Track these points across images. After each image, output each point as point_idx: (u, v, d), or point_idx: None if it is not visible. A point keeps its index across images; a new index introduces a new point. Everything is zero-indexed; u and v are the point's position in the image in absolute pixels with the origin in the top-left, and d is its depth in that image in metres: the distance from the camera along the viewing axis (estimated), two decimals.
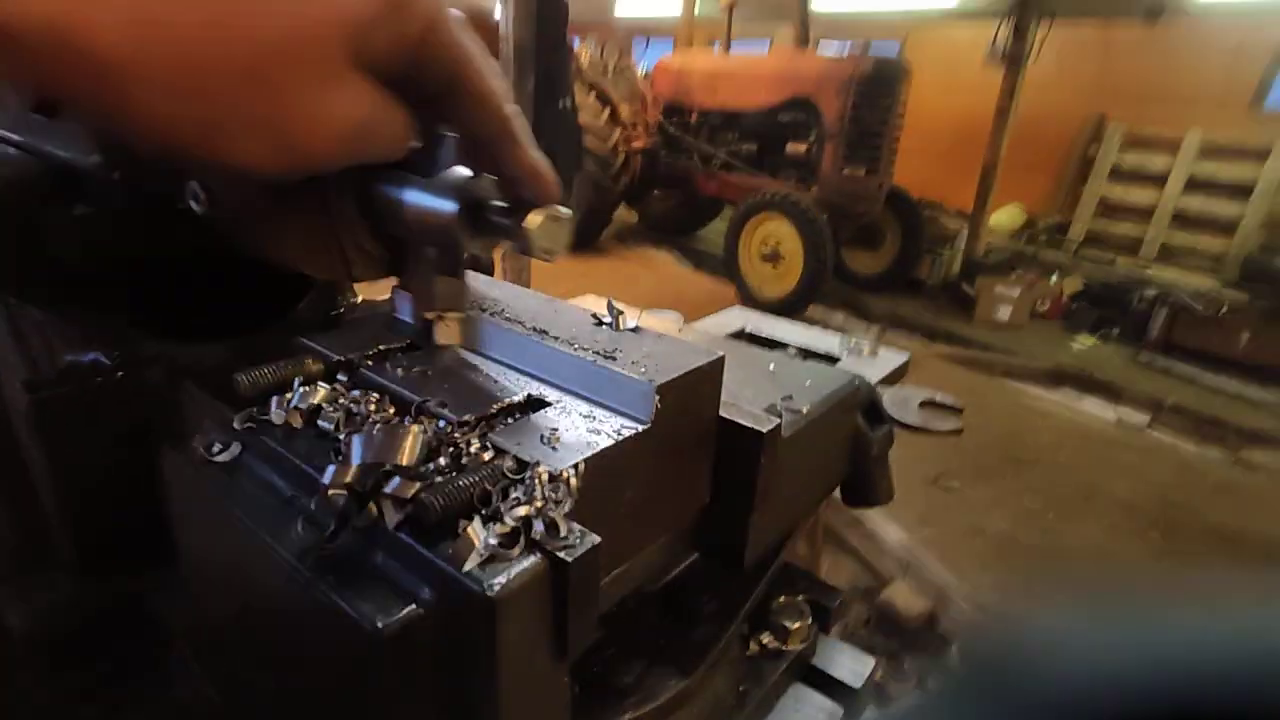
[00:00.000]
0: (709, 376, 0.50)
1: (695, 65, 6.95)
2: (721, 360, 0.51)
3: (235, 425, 0.48)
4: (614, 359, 0.49)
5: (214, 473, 0.47)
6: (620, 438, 0.44)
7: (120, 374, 0.72)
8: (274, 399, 0.48)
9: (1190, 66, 7.56)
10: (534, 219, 0.44)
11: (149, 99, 0.33)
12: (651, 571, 0.60)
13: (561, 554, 0.37)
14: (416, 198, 0.47)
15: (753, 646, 0.67)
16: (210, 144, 0.36)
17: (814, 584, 0.75)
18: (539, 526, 0.37)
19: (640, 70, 7.57)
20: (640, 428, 0.45)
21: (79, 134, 0.59)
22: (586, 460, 0.41)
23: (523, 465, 0.40)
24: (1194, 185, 7.59)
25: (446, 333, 0.55)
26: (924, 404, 4.79)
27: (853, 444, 0.74)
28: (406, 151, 0.45)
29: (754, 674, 0.64)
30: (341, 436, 0.44)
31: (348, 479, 0.39)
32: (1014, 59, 6.36)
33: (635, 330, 0.54)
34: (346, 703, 0.40)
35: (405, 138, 0.43)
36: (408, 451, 0.40)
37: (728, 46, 7.44)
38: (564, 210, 0.45)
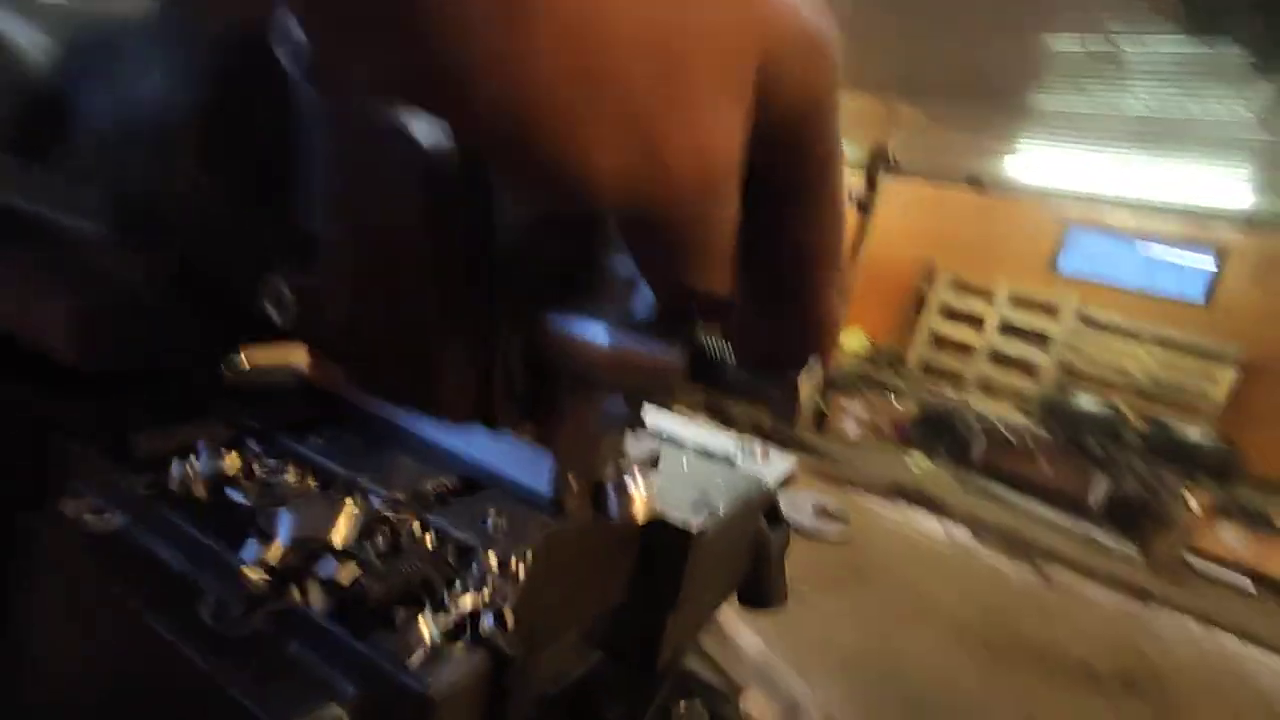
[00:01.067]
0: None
1: None
2: (658, 453, 0.52)
3: (139, 490, 0.42)
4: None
5: (90, 544, 0.41)
6: (560, 526, 0.43)
7: None
8: (174, 463, 0.43)
9: (1001, 229, 8.95)
10: (806, 380, 0.36)
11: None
12: (559, 673, 0.58)
13: (509, 650, 0.35)
14: (621, 339, 0.36)
15: None
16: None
17: (711, 690, 0.75)
18: (488, 621, 0.35)
19: None
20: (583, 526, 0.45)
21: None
22: (534, 549, 0.40)
23: (467, 551, 0.39)
24: (1006, 329, 8.80)
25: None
26: (816, 510, 5.01)
27: (754, 545, 0.76)
28: None
29: None
30: (256, 510, 0.40)
31: (272, 558, 0.36)
32: (864, 206, 7.22)
33: None
34: None
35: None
36: (342, 530, 0.37)
37: None
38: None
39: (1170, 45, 4.08)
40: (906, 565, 4.85)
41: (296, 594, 0.36)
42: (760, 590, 0.79)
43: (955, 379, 8.84)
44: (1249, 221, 7.26)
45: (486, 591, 0.36)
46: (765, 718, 2.84)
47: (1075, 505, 6.31)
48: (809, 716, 2.87)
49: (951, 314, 9.18)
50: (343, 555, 0.36)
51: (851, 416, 7.03)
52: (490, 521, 0.42)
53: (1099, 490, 6.28)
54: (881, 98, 6.69)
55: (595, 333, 0.37)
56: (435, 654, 0.34)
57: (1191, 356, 7.84)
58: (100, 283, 0.47)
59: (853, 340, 9.27)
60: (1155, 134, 5.75)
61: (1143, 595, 5.12)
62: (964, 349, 9.01)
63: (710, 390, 0.38)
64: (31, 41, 0.49)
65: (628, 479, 0.43)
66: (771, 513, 0.80)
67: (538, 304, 0.38)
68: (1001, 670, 3.83)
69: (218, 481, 0.43)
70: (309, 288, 0.40)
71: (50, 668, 0.44)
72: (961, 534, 5.73)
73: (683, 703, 0.70)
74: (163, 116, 0.45)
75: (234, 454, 0.44)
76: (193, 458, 0.44)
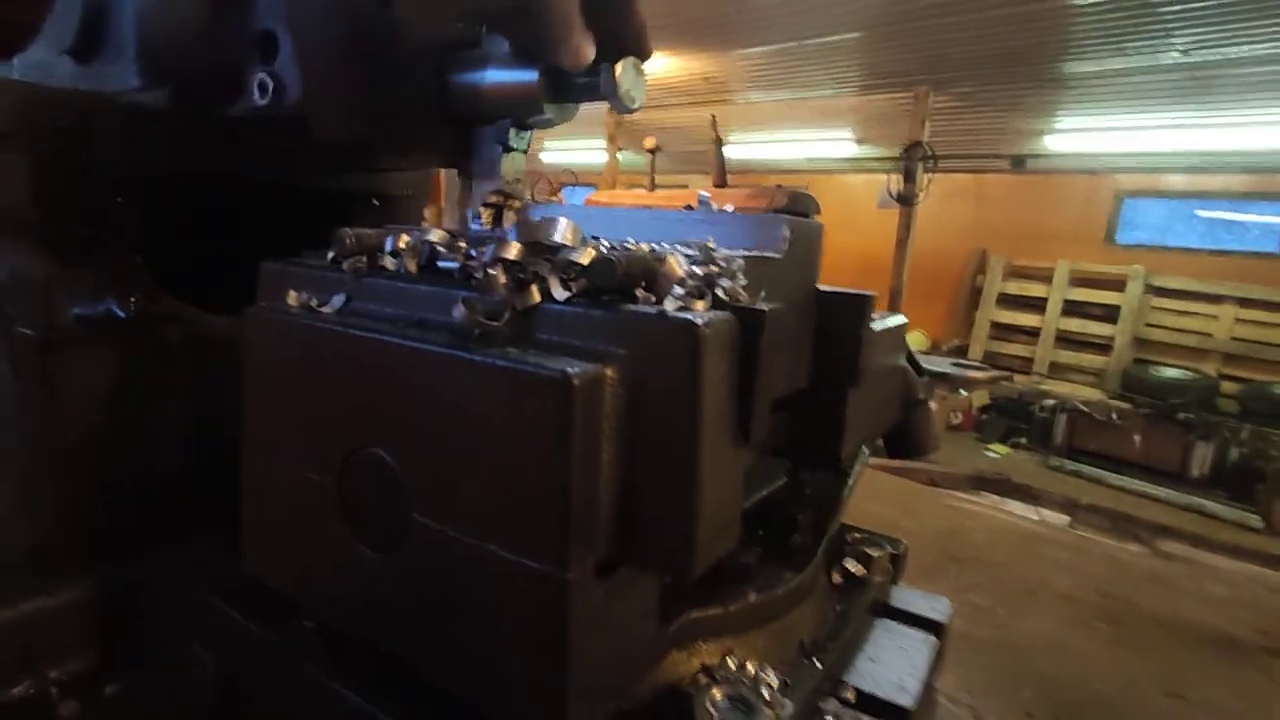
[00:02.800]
0: (815, 237, 0.52)
1: (622, 200, 7.43)
2: (821, 229, 0.53)
3: (345, 268, 0.45)
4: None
5: (321, 320, 0.44)
6: (762, 255, 0.44)
7: (135, 328, 0.67)
8: (387, 241, 0.46)
9: (1051, 209, 8.70)
10: (620, 65, 0.47)
11: None
12: (753, 489, 0.58)
13: (748, 303, 0.36)
14: (497, 75, 0.50)
15: (836, 578, 0.64)
16: None
17: (877, 536, 0.73)
18: (724, 283, 0.36)
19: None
20: (778, 255, 0.46)
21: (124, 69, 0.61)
22: (744, 259, 0.41)
23: (688, 244, 0.40)
24: (1070, 309, 8.48)
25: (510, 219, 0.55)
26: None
27: (904, 389, 0.75)
28: None
29: (845, 598, 0.61)
30: (485, 237, 0.43)
31: (511, 254, 0.37)
32: (906, 199, 7.14)
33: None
34: (507, 478, 0.36)
35: None
36: (570, 233, 0.39)
37: (652, 186, 8.04)
38: (641, 61, 0.49)
39: None
40: (1004, 552, 4.61)
41: (536, 292, 0.38)
42: (910, 435, 0.78)
43: (1022, 367, 8.53)
44: None
45: (715, 268, 0.37)
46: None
47: (1176, 477, 5.95)
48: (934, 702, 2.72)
49: (1010, 301, 8.91)
50: (578, 248, 0.38)
51: None
52: (703, 247, 0.43)
53: (1201, 459, 5.91)
54: (910, 89, 6.68)
55: (476, 77, 0.51)
56: (686, 309, 0.35)
57: (1277, 312, 7.41)
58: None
59: (910, 342, 9.06)
60: (1200, 84, 5.57)
61: (1272, 561, 4.76)
62: (1028, 334, 8.71)
63: (561, 98, 0.50)
64: None
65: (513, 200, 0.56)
66: (913, 363, 0.79)
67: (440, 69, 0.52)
68: (1132, 647, 3.57)
69: (431, 253, 0.45)
70: (276, 73, 0.53)
71: (292, 425, 0.46)
72: (1056, 517, 5.45)
73: (857, 533, 0.69)
74: None
75: (441, 233, 0.47)
76: (403, 234, 0.46)
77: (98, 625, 0.64)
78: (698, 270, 0.37)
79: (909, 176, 7.12)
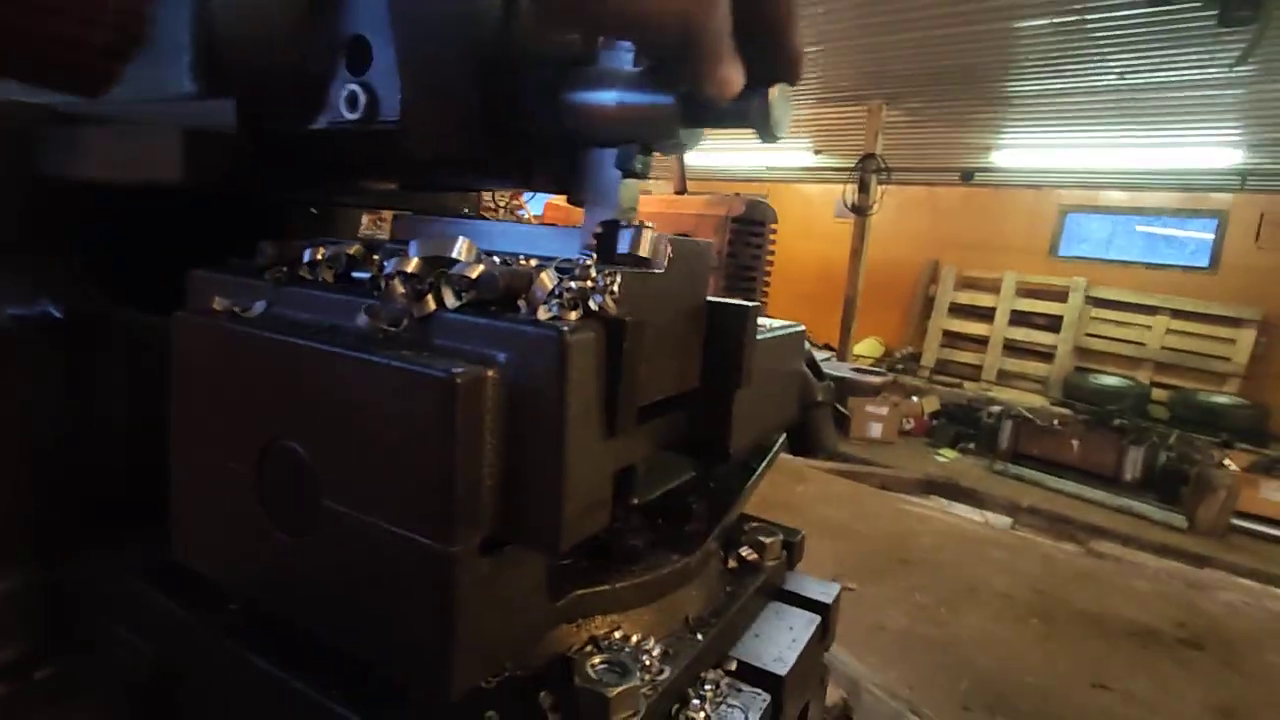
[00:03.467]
0: (702, 254, 0.58)
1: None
2: (709, 245, 0.59)
3: (266, 278, 0.50)
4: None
5: (243, 325, 0.48)
6: (642, 270, 0.50)
7: (71, 328, 0.70)
8: (305, 251, 0.50)
9: (999, 221, 9.03)
10: (775, 93, 0.43)
11: None
12: (654, 482, 0.63)
13: (619, 315, 0.41)
14: (628, 96, 0.45)
15: (731, 563, 0.70)
16: None
17: (775, 525, 0.80)
18: (596, 299, 0.42)
19: (528, 211, 8.02)
20: (660, 270, 0.51)
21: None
22: (626, 274, 0.46)
23: (570, 262, 0.46)
24: (1016, 319, 8.81)
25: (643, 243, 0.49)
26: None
27: (802, 392, 0.82)
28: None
29: (737, 580, 0.67)
30: (386, 248, 0.48)
31: (409, 268, 0.42)
32: (860, 210, 7.34)
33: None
34: (398, 471, 0.41)
35: None
36: (465, 250, 0.44)
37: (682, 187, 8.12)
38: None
39: (1133, 10, 4.22)
40: (949, 553, 4.79)
41: (432, 300, 0.43)
42: (810, 434, 0.85)
43: (971, 374, 8.82)
44: (1242, 182, 7.31)
45: (589, 283, 0.43)
46: (828, 698, 2.80)
47: (1110, 480, 6.23)
48: (872, 695, 2.83)
49: (961, 310, 9.21)
50: (469, 262, 0.43)
51: (875, 418, 7.02)
52: (583, 259, 0.49)
53: (1133, 463, 6.20)
54: (864, 103, 6.88)
55: (602, 97, 0.46)
56: (558, 319, 0.40)
57: (1206, 323, 7.82)
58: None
59: (865, 348, 9.30)
60: (1135, 105, 5.87)
61: (1192, 559, 5.02)
62: (977, 343, 9.01)
63: (700, 124, 0.45)
64: None
65: (643, 225, 0.49)
66: (813, 366, 0.86)
67: (556, 85, 0.47)
68: (1061, 641, 3.76)
69: (345, 264, 0.50)
70: (369, 85, 0.49)
71: (217, 423, 0.51)
72: (999, 519, 5.66)
73: (754, 523, 0.75)
74: None
75: (357, 246, 0.51)
76: (320, 248, 0.51)
77: (30, 615, 0.67)
78: (573, 285, 0.42)
79: (863, 187, 7.33)
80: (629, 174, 0.48)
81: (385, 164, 0.60)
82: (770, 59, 0.45)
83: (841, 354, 7.73)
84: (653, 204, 7.31)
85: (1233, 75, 4.77)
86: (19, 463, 0.66)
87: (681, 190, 8.10)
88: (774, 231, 6.85)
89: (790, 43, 0.46)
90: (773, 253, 7.05)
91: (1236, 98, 5.41)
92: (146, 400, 0.68)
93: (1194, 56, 4.76)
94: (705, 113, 0.45)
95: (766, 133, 0.44)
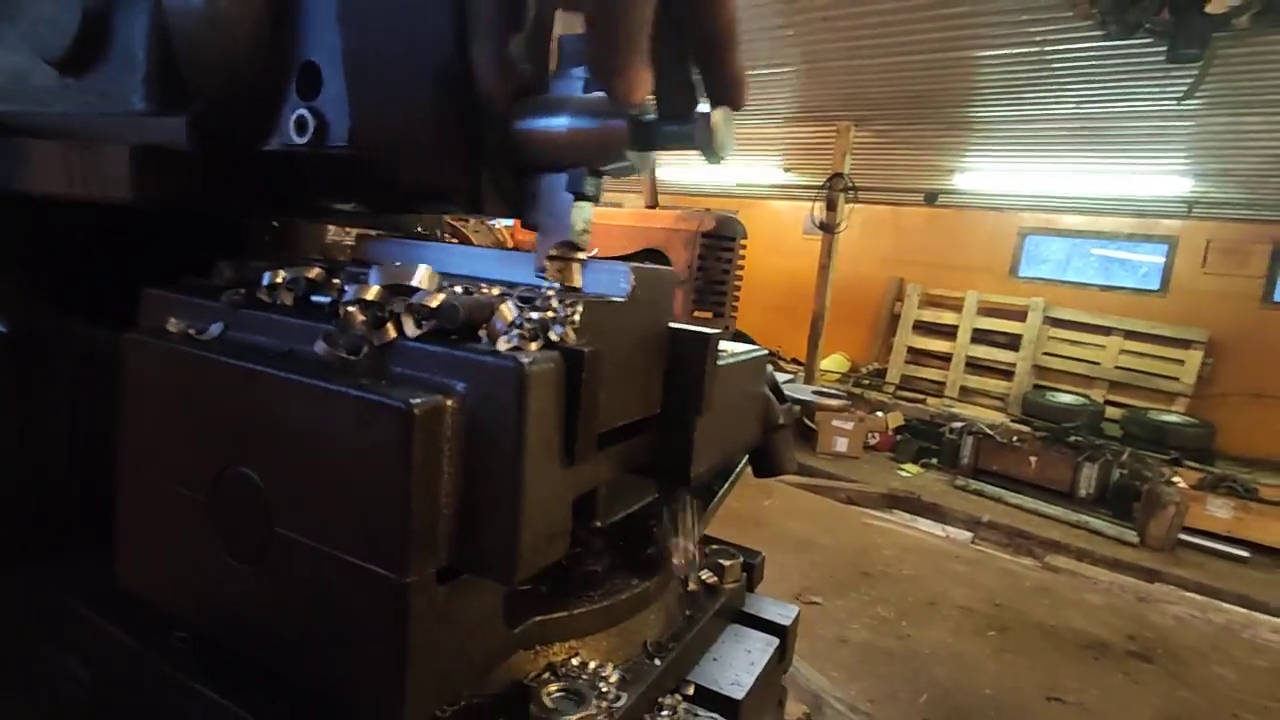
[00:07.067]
0: (665, 282, 0.59)
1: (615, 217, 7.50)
2: (673, 274, 0.59)
3: (223, 300, 0.49)
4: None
5: (198, 348, 0.47)
6: (604, 299, 0.51)
7: (18, 343, 0.68)
8: (264, 275, 0.50)
9: (962, 242, 9.26)
10: (718, 115, 0.45)
11: None
12: (622, 502, 0.63)
13: (578, 346, 0.42)
14: (576, 122, 0.46)
15: (691, 585, 0.70)
16: None
17: (736, 547, 0.81)
18: (556, 329, 0.42)
19: (500, 222, 8.00)
20: (620, 298, 0.52)
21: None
22: (584, 301, 0.47)
23: (533, 290, 0.46)
24: (978, 336, 9.02)
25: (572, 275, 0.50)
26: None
27: (764, 415, 0.83)
28: None
29: (697, 604, 0.67)
30: (346, 273, 0.47)
31: (368, 295, 0.42)
32: (828, 227, 7.46)
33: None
34: (357, 501, 0.41)
35: None
36: (424, 279, 0.44)
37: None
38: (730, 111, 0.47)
39: (1089, 44, 4.38)
40: (911, 567, 4.86)
41: (392, 329, 0.43)
42: (770, 456, 0.86)
43: (935, 390, 9.00)
44: (1189, 209, 7.61)
45: (550, 314, 0.43)
46: (791, 714, 2.81)
47: (1066, 496, 6.39)
48: (832, 709, 2.85)
49: (925, 328, 9.40)
50: (429, 290, 0.43)
51: (841, 433, 7.11)
52: (546, 289, 0.49)
53: (1088, 479, 6.37)
54: (833, 124, 7.01)
55: (553, 123, 0.46)
56: (517, 348, 0.41)
57: (1157, 344, 8.10)
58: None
59: (832, 363, 9.42)
60: (1092, 134, 6.08)
61: (1143, 573, 5.17)
62: (941, 359, 9.20)
63: (648, 147, 0.46)
64: None
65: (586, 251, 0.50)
66: (775, 390, 0.87)
67: (508, 113, 0.46)
68: (1019, 654, 3.84)
69: (305, 288, 0.50)
70: (318, 110, 0.48)
71: (171, 451, 0.50)
72: (960, 534, 5.77)
73: (715, 545, 0.76)
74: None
75: (316, 270, 0.51)
76: (280, 271, 0.50)
77: None
78: (534, 315, 0.43)
79: (831, 205, 7.45)
80: (581, 197, 0.48)
81: (337, 186, 0.60)
82: (713, 81, 0.47)
83: (809, 370, 7.82)
84: (624, 218, 7.35)
85: (1181, 109, 4.97)
86: None
87: (653, 205, 8.17)
88: (744, 247, 6.95)
89: (731, 65, 0.47)
90: (742, 267, 7.15)
91: (1185, 129, 5.64)
92: (94, 417, 0.66)
93: (1146, 90, 4.96)
94: (653, 136, 0.46)
95: (711, 154, 0.45)
